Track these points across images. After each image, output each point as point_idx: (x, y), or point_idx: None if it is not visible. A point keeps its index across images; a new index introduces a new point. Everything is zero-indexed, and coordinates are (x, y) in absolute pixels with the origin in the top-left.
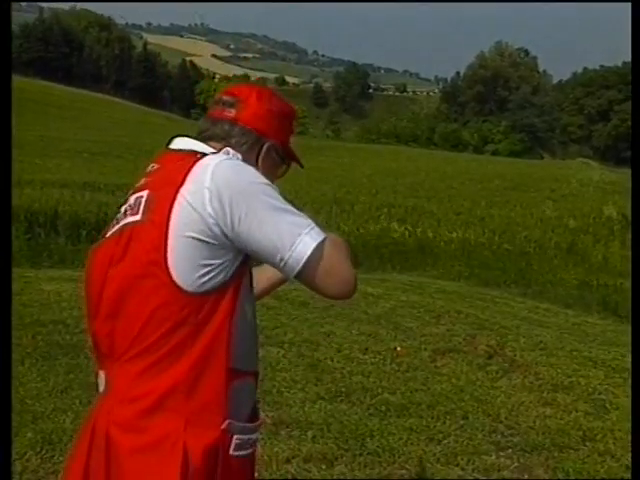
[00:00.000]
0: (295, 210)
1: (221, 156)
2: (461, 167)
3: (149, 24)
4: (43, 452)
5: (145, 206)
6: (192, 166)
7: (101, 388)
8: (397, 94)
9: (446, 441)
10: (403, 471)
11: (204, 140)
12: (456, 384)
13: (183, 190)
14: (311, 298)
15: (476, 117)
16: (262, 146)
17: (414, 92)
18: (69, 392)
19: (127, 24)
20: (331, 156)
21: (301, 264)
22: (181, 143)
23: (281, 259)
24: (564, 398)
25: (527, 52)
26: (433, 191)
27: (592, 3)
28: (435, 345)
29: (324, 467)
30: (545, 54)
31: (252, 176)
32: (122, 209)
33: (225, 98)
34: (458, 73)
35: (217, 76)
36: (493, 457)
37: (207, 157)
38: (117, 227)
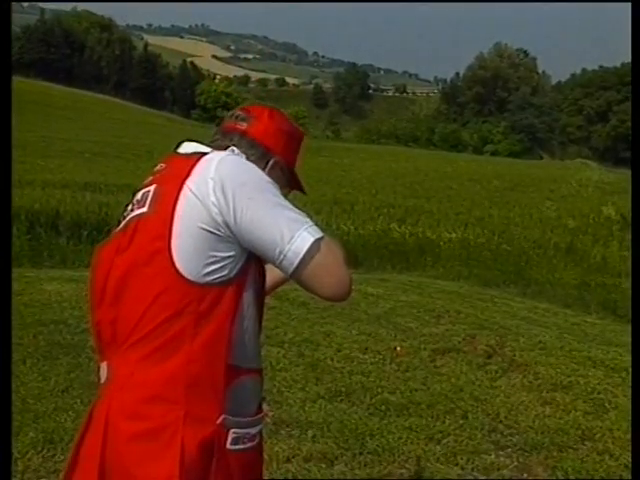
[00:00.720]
0: (295, 208)
1: (226, 152)
2: (460, 167)
3: (150, 25)
4: (44, 451)
5: (152, 199)
6: (197, 161)
7: (102, 379)
8: (397, 95)
9: (446, 440)
10: (403, 470)
11: (214, 149)
12: (456, 384)
13: (189, 182)
14: (311, 298)
15: (475, 118)
16: (268, 161)
17: (414, 93)
18: (70, 391)
19: (128, 25)
20: (331, 157)
21: (299, 258)
22: (189, 147)
23: (280, 252)
24: (563, 397)
25: (526, 53)
26: (433, 191)
27: (591, 4)
28: (435, 345)
29: (324, 466)
30: (544, 55)
31: (255, 172)
32: (129, 207)
33: (239, 113)
34: (457, 74)
35: (218, 77)
36: (492, 456)
37: (213, 153)
38: (124, 222)
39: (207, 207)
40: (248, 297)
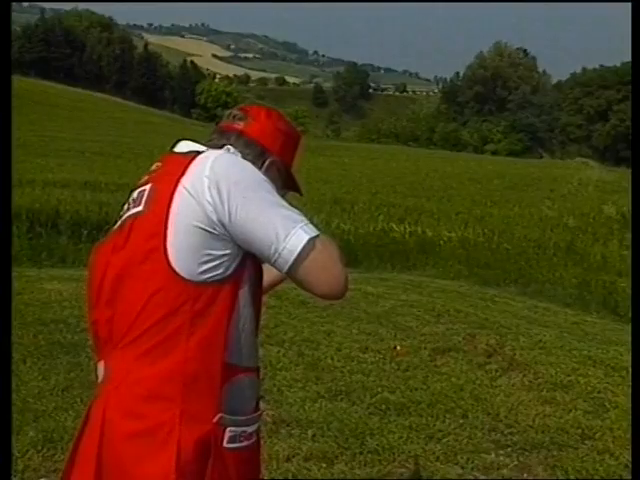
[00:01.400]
0: (290, 206)
1: (222, 151)
2: (461, 167)
3: (150, 24)
4: (44, 450)
5: (147, 198)
6: (192, 160)
7: (100, 378)
8: (397, 94)
9: (446, 439)
10: (403, 469)
11: (210, 147)
12: (456, 383)
13: (184, 180)
14: (311, 297)
15: (476, 117)
16: (264, 161)
17: (414, 92)
18: (70, 391)
19: (128, 24)
20: (331, 156)
21: (294, 256)
22: (185, 146)
23: (275, 250)
24: (563, 397)
25: (526, 52)
26: (433, 191)
27: (591, 3)
28: (435, 344)
29: (324, 466)
30: (544, 54)
31: (250, 170)
32: (125, 206)
33: (236, 112)
34: (457, 73)
35: (218, 76)
36: (492, 455)
37: (208, 152)
38: (120, 221)
39: (202, 205)
40: (245, 296)
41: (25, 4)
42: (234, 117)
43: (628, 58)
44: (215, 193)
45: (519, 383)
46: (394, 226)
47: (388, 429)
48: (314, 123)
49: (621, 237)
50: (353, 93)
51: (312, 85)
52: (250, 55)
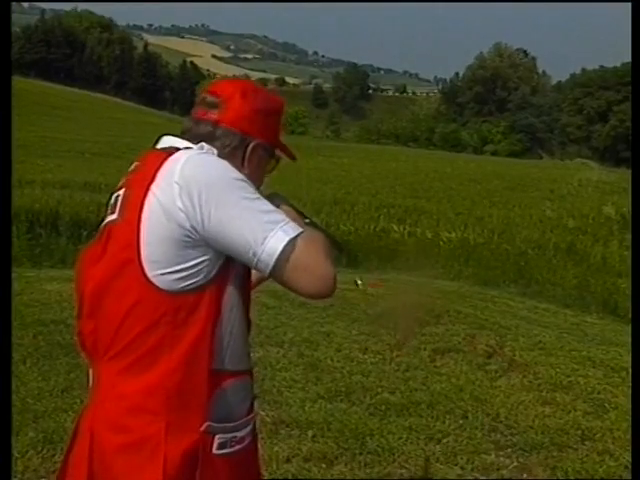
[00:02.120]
0: (269, 205)
1: (193, 151)
2: (460, 167)
3: (150, 25)
4: (44, 451)
5: (121, 204)
6: (163, 161)
7: (90, 384)
8: (397, 95)
9: (446, 440)
10: (403, 470)
11: (189, 140)
12: (455, 383)
13: (153, 186)
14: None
15: (475, 118)
16: (247, 145)
17: (414, 93)
18: (70, 391)
19: (128, 25)
20: (331, 156)
21: (274, 259)
22: (166, 142)
23: (254, 254)
24: (563, 397)
25: (526, 53)
26: (432, 191)
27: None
28: (435, 345)
29: (324, 466)
30: (544, 55)
31: (223, 170)
32: (107, 210)
33: (208, 99)
34: (457, 74)
35: (218, 77)
36: (492, 456)
37: (179, 152)
38: (100, 228)
39: (174, 213)
40: (231, 299)
41: (25, 5)
42: (207, 104)
43: (628, 59)
44: (186, 199)
45: (519, 384)
46: (394, 227)
47: (388, 430)
48: (314, 124)
49: (621, 238)
50: (353, 94)
51: (312, 86)
52: (250, 56)
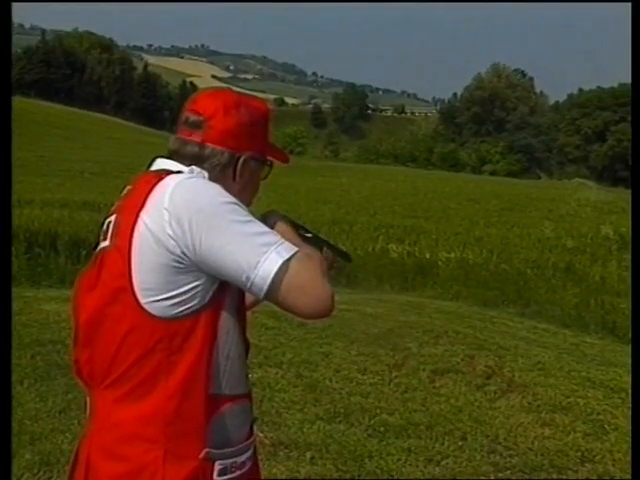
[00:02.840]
0: (262, 227)
1: (183, 175)
2: (459, 187)
3: (150, 45)
4: (40, 473)
5: (112, 231)
6: (153, 187)
7: (87, 412)
8: (395, 115)
9: (445, 462)
10: None
11: (179, 160)
12: (455, 404)
13: (143, 213)
14: None
15: (474, 138)
16: (237, 161)
17: (412, 113)
18: (68, 412)
19: (128, 45)
20: (329, 176)
21: (268, 283)
22: (159, 164)
23: (247, 278)
24: (562, 419)
25: (524, 73)
26: (431, 211)
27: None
28: (434, 365)
29: None
30: (541, 76)
31: (213, 195)
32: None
33: (191, 118)
34: (455, 94)
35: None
36: (492, 478)
37: (168, 177)
38: (94, 254)
39: (164, 240)
40: (227, 322)
41: (27, 26)
42: (191, 124)
43: (624, 80)
44: (176, 226)
45: (518, 405)
46: (393, 247)
47: (387, 452)
48: (312, 143)
49: (619, 258)
50: (352, 114)
51: (311, 106)
52: (249, 76)
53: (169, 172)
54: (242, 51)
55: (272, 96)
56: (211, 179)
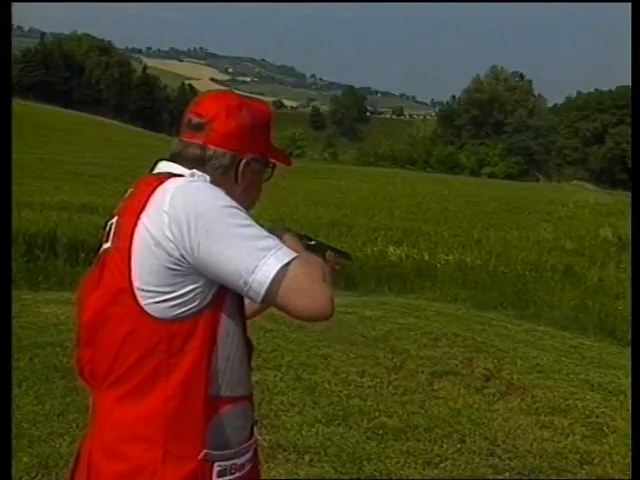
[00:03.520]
0: (262, 232)
1: (184, 179)
2: (458, 190)
3: (149, 48)
4: (39, 477)
5: (114, 233)
6: (154, 190)
7: (89, 414)
8: (394, 117)
9: (444, 465)
10: None
11: (181, 163)
12: (453, 407)
13: (143, 216)
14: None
15: (472, 140)
16: (239, 163)
17: (411, 115)
18: (66, 415)
19: (127, 48)
20: (328, 179)
21: (265, 287)
22: (161, 167)
23: (245, 283)
24: (561, 421)
25: (522, 76)
26: (430, 214)
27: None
28: (432, 368)
29: None
30: (539, 78)
31: (213, 199)
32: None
33: (194, 120)
34: (454, 97)
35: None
36: None
37: (169, 181)
38: (97, 255)
39: (163, 243)
40: (227, 324)
41: (25, 29)
42: (193, 127)
43: (622, 82)
44: (175, 229)
45: (517, 407)
46: (391, 249)
47: (385, 454)
48: (311, 146)
49: (618, 260)
50: (350, 116)
51: (309, 108)
52: (248, 79)
53: (171, 175)
54: (241, 54)
55: (271, 99)
56: (213, 181)
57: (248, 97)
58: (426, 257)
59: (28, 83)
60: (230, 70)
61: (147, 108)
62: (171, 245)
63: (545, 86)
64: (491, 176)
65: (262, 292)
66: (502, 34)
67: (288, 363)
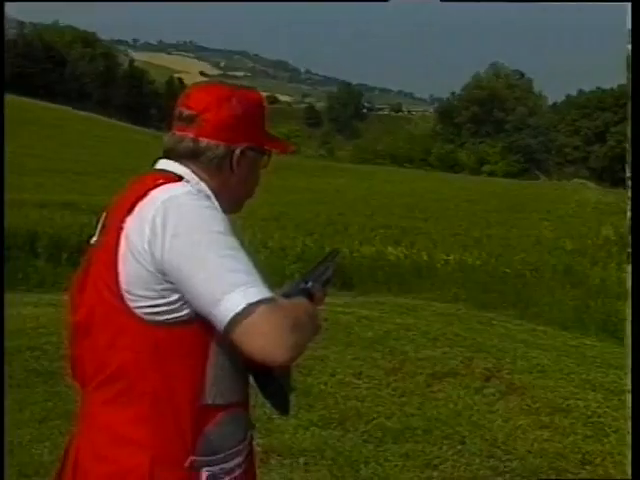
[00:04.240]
0: (239, 263)
1: (175, 190)
2: (457, 188)
3: (136, 40)
4: None
5: (101, 229)
6: (146, 193)
7: (79, 413)
8: (392, 114)
9: (443, 467)
10: None
11: (175, 159)
12: (453, 408)
13: (128, 220)
14: None
15: (472, 138)
16: (232, 154)
17: (409, 112)
18: (47, 422)
19: (112, 40)
20: (324, 177)
21: (225, 322)
22: (162, 165)
23: (209, 313)
24: (562, 421)
25: (522, 74)
26: (429, 212)
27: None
28: (431, 369)
29: None
30: (539, 76)
31: (197, 220)
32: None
33: (185, 113)
34: (453, 93)
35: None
36: None
37: (162, 188)
38: (87, 250)
39: (142, 254)
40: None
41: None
42: (185, 119)
43: (623, 81)
44: (153, 244)
45: (517, 408)
46: (389, 248)
47: (384, 457)
48: (307, 143)
49: (619, 259)
50: (347, 113)
51: (303, 105)
52: (240, 73)
53: (167, 174)
54: (233, 47)
55: (264, 94)
56: (209, 173)
57: (238, 86)
58: (425, 257)
59: (6, 75)
60: (222, 64)
61: (134, 103)
62: (148, 258)
63: (545, 84)
64: (491, 174)
65: (222, 328)
66: (501, 31)
67: None
